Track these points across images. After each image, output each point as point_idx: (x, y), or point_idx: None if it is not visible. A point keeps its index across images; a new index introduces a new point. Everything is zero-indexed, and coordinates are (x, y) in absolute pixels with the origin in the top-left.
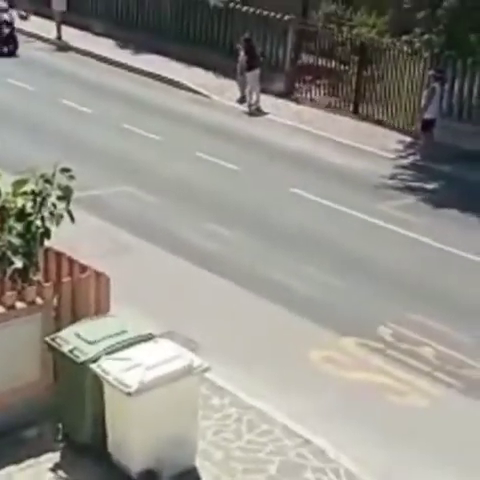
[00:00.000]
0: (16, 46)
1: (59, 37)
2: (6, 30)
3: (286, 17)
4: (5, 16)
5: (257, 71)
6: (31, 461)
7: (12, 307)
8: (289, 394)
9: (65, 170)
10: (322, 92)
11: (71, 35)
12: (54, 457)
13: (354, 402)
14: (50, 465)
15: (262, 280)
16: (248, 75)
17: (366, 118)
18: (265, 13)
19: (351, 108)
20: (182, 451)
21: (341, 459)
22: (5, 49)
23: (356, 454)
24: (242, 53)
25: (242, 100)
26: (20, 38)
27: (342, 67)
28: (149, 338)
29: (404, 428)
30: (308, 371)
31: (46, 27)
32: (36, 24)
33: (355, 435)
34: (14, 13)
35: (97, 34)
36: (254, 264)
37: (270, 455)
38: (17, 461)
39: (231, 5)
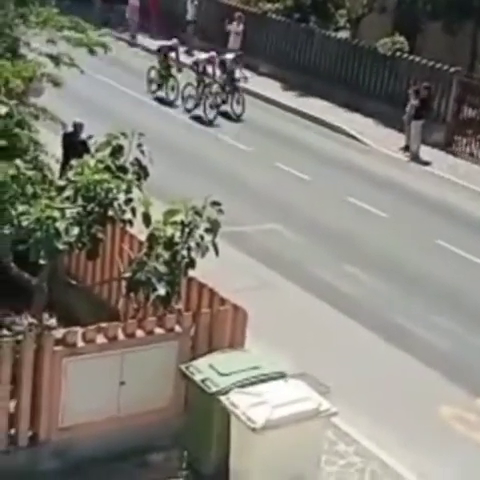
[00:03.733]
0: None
1: None
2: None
3: (452, 69)
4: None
5: (422, 121)
6: None
7: (151, 332)
8: (415, 448)
9: (215, 204)
10: None
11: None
12: None
13: None
14: None
15: (398, 329)
16: (413, 123)
17: None
18: (431, 63)
19: None
20: None
21: None
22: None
23: None
24: (412, 100)
25: (406, 148)
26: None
27: None
28: (280, 376)
29: None
30: (437, 427)
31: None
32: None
33: None
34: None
35: (261, 74)
36: (390, 311)
37: None
38: None
39: (398, 53)
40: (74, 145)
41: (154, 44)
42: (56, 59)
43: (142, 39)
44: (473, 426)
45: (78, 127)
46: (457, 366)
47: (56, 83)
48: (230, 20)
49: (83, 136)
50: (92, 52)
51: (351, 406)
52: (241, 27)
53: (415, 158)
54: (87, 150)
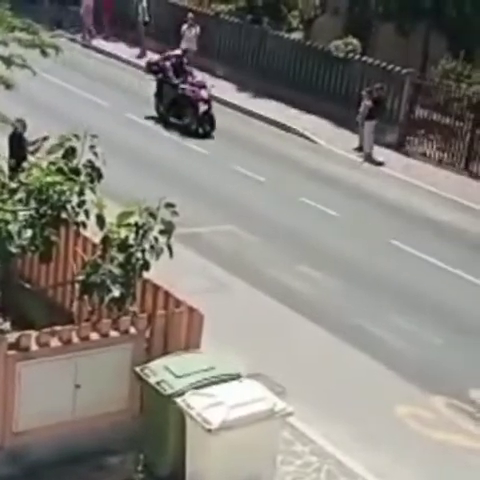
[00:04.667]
0: (213, 126)
1: None
2: (203, 107)
3: (404, 70)
4: (203, 93)
5: (375, 122)
6: None
7: (106, 335)
8: (371, 447)
9: (169, 205)
10: (434, 147)
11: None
12: None
13: (437, 463)
14: None
15: (355, 329)
16: (366, 124)
17: (477, 176)
18: (383, 64)
19: (462, 165)
20: None
21: None
22: (200, 130)
23: None
24: (366, 101)
25: (360, 149)
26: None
27: (456, 123)
28: (236, 377)
29: None
30: (392, 426)
31: None
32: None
33: None
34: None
35: (218, 77)
36: (345, 311)
37: None
38: None
39: (350, 55)
40: (16, 144)
41: (105, 45)
42: (8, 60)
43: (95, 41)
44: (428, 424)
45: (17, 125)
46: (413, 364)
47: (8, 85)
48: (189, 25)
49: (26, 134)
50: (44, 53)
51: (307, 406)
52: (198, 29)
53: (368, 158)
54: (22, 147)
